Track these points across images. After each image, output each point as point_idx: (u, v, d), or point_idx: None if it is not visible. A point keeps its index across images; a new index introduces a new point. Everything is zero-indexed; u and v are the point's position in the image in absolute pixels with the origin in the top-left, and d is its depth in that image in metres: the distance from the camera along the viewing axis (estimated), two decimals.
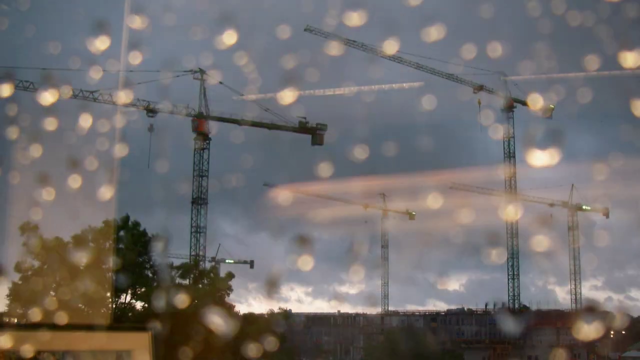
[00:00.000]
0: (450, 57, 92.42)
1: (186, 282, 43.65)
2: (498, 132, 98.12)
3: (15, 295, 36.59)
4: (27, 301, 33.75)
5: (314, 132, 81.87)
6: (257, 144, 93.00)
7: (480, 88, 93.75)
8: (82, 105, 73.09)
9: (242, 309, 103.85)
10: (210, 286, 44.09)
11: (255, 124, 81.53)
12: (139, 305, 39.65)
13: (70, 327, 25.30)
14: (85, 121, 32.08)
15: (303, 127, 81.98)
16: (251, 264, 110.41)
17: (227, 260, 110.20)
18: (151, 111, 77.35)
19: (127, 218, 41.40)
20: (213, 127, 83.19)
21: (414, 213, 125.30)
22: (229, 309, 44.85)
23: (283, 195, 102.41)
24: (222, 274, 48.28)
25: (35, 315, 27.78)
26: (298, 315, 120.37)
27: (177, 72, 79.19)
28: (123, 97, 71.34)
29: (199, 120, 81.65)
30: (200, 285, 44.20)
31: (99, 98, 73.16)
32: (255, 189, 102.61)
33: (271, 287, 45.73)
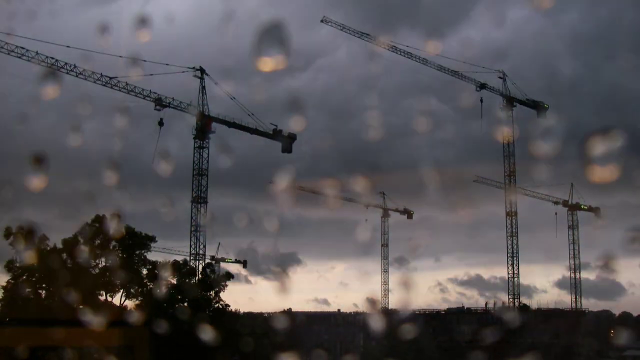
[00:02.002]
0: (454, 54, 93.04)
1: (178, 280, 43.44)
2: (499, 130, 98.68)
3: (8, 294, 36.55)
4: (21, 300, 33.73)
5: (284, 140, 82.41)
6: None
7: (483, 86, 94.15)
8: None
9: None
10: (203, 284, 44.03)
11: (242, 128, 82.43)
12: (132, 303, 39.57)
13: (66, 324, 25.27)
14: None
15: (276, 134, 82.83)
16: (244, 263, 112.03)
17: (227, 260, 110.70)
18: (160, 104, 77.16)
19: (118, 216, 41.24)
20: (215, 127, 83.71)
21: (412, 212, 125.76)
22: (220, 308, 44.74)
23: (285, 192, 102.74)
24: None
25: (30, 314, 27.74)
26: (298, 314, 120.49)
27: (179, 69, 79.77)
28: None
29: (204, 119, 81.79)
30: (192, 283, 44.07)
31: (116, 85, 73.57)
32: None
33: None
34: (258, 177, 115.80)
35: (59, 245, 39.45)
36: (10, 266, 37.29)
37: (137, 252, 41.29)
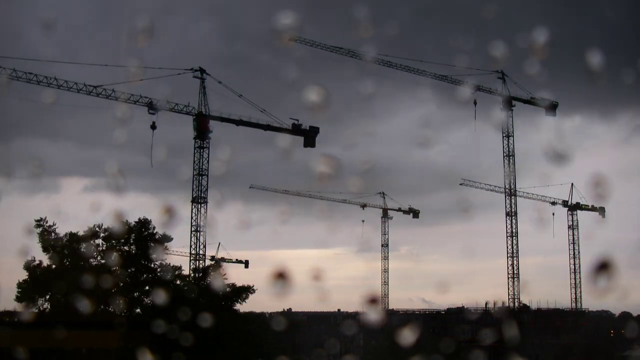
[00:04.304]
0: (446, 58, 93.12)
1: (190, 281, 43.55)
2: (497, 131, 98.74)
3: (24, 292, 36.72)
4: (35, 298, 33.89)
5: (306, 135, 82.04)
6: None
7: (477, 88, 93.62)
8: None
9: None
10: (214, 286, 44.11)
11: (252, 125, 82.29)
12: (143, 303, 39.59)
13: (71, 325, 25.30)
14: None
15: (296, 129, 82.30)
16: (246, 263, 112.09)
17: (227, 260, 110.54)
18: (153, 108, 77.34)
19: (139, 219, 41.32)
20: (213, 126, 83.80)
21: (418, 210, 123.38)
22: (228, 309, 44.89)
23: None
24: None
25: (41, 313, 27.81)
26: (298, 314, 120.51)
27: (177, 70, 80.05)
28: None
29: (201, 119, 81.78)
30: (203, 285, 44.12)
31: (102, 93, 73.84)
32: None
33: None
34: None
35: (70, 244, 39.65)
36: (28, 266, 37.55)
37: (150, 251, 41.22)
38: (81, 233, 39.50)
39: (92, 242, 39.32)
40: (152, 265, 41.54)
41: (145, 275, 40.23)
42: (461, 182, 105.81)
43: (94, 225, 39.46)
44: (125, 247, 40.03)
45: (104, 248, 39.36)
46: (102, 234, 39.66)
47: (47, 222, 38.06)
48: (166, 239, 42.11)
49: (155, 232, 41.91)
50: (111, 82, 73.91)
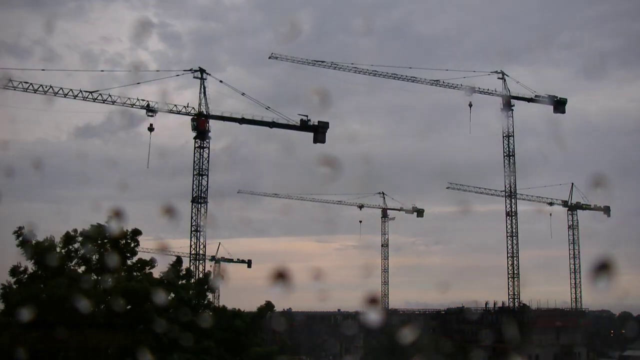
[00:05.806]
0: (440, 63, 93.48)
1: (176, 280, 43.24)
2: (497, 131, 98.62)
3: (9, 297, 36.45)
4: (22, 303, 33.63)
5: (316, 130, 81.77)
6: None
7: (473, 90, 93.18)
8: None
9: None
10: (197, 285, 43.96)
11: (255, 122, 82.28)
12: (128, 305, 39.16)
13: (69, 326, 25.27)
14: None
15: (304, 125, 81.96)
16: (249, 263, 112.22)
17: (228, 260, 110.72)
18: (150, 111, 77.44)
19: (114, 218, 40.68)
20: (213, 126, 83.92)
21: (422, 210, 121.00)
22: (215, 308, 44.73)
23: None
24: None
25: (31, 316, 27.76)
26: (298, 314, 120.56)
27: (177, 72, 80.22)
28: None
29: (198, 119, 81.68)
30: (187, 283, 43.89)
31: (98, 98, 74.22)
32: None
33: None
34: None
35: (60, 245, 39.28)
36: (15, 271, 37.23)
37: (129, 248, 40.71)
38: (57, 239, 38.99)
39: (70, 247, 38.89)
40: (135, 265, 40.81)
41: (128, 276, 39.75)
42: (447, 185, 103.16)
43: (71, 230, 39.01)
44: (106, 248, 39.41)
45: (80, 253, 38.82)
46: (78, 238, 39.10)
47: (25, 229, 37.50)
48: (135, 232, 41.14)
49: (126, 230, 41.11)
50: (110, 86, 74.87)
